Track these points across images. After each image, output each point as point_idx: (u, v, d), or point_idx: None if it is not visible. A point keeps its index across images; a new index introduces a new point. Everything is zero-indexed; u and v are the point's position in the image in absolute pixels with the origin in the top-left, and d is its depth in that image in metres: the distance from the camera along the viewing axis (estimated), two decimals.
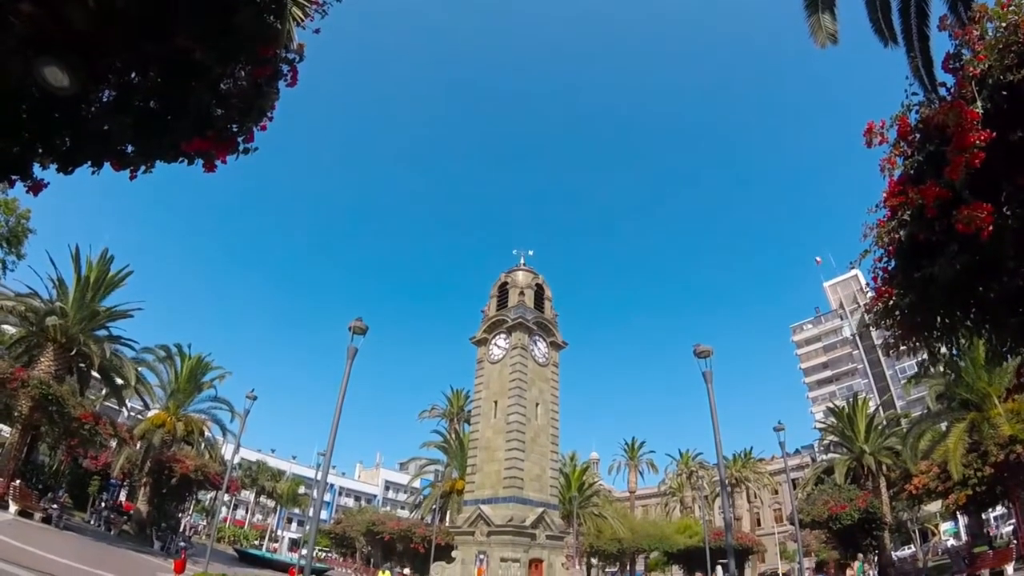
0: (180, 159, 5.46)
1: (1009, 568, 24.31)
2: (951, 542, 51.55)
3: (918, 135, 6.12)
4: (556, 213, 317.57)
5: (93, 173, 5.34)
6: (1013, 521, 33.50)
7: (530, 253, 28.22)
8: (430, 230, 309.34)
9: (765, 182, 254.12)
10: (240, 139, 5.52)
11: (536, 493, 22.72)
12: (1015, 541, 28.34)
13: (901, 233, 6.25)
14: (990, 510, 41.26)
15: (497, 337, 25.67)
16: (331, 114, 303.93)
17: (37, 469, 37.20)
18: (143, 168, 5.47)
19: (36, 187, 5.29)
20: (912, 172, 6.16)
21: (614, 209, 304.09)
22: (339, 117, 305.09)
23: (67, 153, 5.23)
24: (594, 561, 61.48)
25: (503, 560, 20.14)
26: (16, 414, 28.04)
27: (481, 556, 21.10)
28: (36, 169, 5.21)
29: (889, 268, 6.72)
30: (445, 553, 30.01)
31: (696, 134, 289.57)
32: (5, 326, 34.72)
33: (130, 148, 5.34)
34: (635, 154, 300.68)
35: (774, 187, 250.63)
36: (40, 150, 5.13)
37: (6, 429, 36.39)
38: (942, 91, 6.39)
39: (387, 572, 38.21)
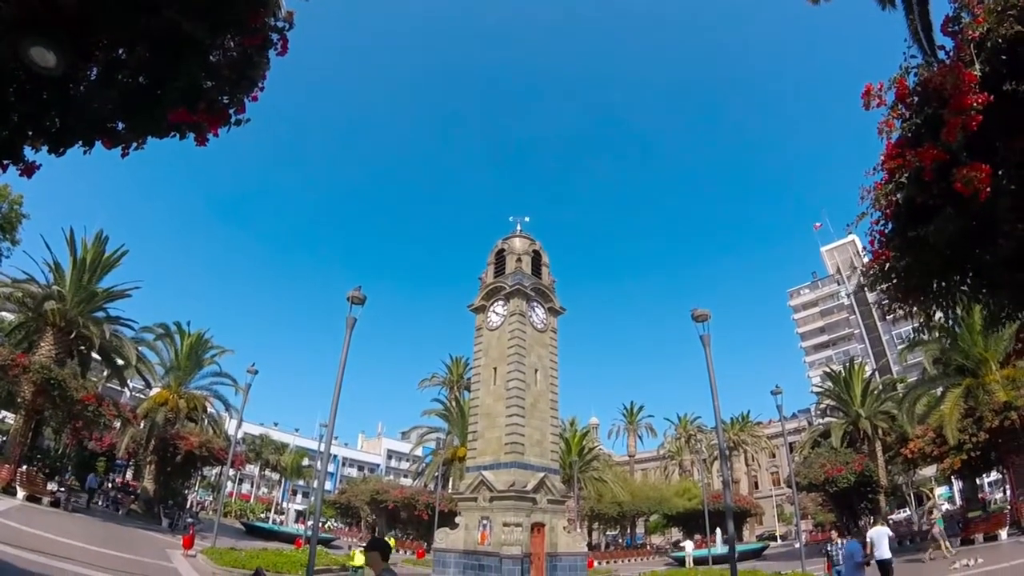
0: (172, 134, 5.39)
1: (1003, 533, 24.68)
2: (946, 506, 52.47)
3: (916, 98, 6.08)
4: (554, 180, 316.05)
5: (85, 152, 5.30)
6: (1007, 487, 33.98)
7: (526, 219, 28.20)
8: (427, 199, 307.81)
9: (763, 146, 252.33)
10: (232, 111, 5.45)
11: (537, 458, 22.89)
12: (1009, 507, 28.73)
13: (899, 196, 6.25)
14: (984, 475, 41.88)
15: (495, 304, 25.63)
16: (327, 80, 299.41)
17: (43, 454, 37.43)
18: (135, 145, 5.42)
19: (28, 169, 5.24)
20: (910, 135, 6.13)
21: (611, 177, 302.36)
22: (335, 83, 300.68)
23: (58, 134, 5.18)
24: (595, 524, 62.37)
25: (506, 525, 20.33)
26: (19, 400, 28.15)
27: (484, 521, 21.35)
28: (28, 152, 5.16)
29: (886, 231, 6.71)
30: (449, 519, 30.45)
31: (693, 100, 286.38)
32: (3, 313, 34.64)
33: (120, 125, 5.28)
34: (632, 118, 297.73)
35: (772, 151, 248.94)
36: (30, 132, 5.06)
37: (10, 417, 36.60)
38: (940, 54, 6.35)
39: (392, 539, 38.86)
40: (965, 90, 5.18)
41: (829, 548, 15.30)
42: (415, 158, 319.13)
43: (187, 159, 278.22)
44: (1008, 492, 31.75)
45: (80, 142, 5.25)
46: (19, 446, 28.37)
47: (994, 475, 45.35)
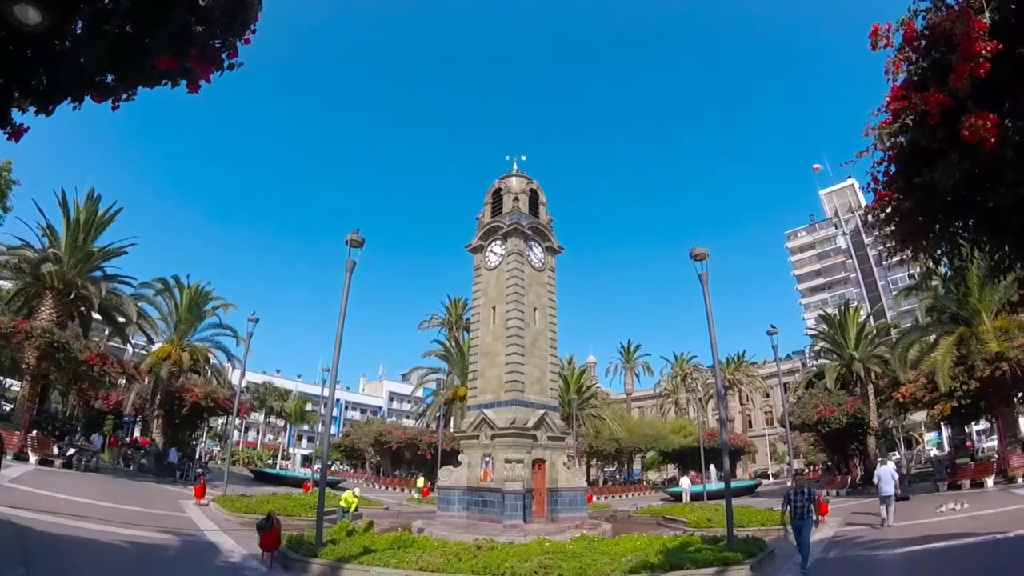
0: (163, 82, 5.23)
1: (989, 481, 25.39)
2: (934, 452, 53.91)
3: (923, 41, 5.98)
4: (552, 120, 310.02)
5: (74, 108, 5.16)
6: (995, 437, 34.73)
7: (523, 158, 27.62)
8: (423, 140, 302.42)
9: (764, 86, 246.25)
10: (224, 55, 5.29)
11: (537, 396, 23.12)
12: (996, 455, 29.44)
13: (903, 138, 6.21)
14: (973, 424, 42.87)
15: (493, 244, 25.42)
16: (318, 21, 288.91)
17: (51, 417, 37.81)
18: (125, 96, 5.27)
19: (16, 133, 5.11)
20: (916, 78, 6.06)
21: (610, 115, 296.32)
22: (327, 23, 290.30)
23: (45, 92, 5.04)
24: (593, 461, 63.96)
25: (508, 461, 20.67)
26: (24, 366, 28.52)
27: (487, 458, 21.70)
28: (14, 114, 5.02)
29: (890, 171, 6.67)
30: (451, 458, 31.15)
31: (694, 39, 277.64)
32: (1, 281, 34.50)
33: (110, 77, 5.11)
34: (632, 59, 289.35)
35: (773, 92, 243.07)
36: (16, 94, 4.92)
37: (16, 384, 36.87)
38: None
39: (421, 480, 40.02)
40: (974, 37, 5.11)
41: (793, 496, 12.36)
42: (410, 99, 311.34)
43: (173, 102, 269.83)
44: (996, 441, 32.46)
45: (69, 98, 5.09)
46: (27, 412, 28.83)
47: (983, 424, 46.50)
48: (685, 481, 40.44)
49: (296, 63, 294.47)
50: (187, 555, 13.58)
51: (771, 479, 62.02)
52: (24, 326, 27.21)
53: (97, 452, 30.74)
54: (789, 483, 14.60)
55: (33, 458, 25.99)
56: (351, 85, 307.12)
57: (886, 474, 17.97)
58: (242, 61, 5.37)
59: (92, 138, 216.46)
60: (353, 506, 20.53)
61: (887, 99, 6.24)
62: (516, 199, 25.67)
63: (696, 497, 35.66)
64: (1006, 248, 6.91)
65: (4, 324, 26.78)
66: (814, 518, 12.38)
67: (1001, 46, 5.07)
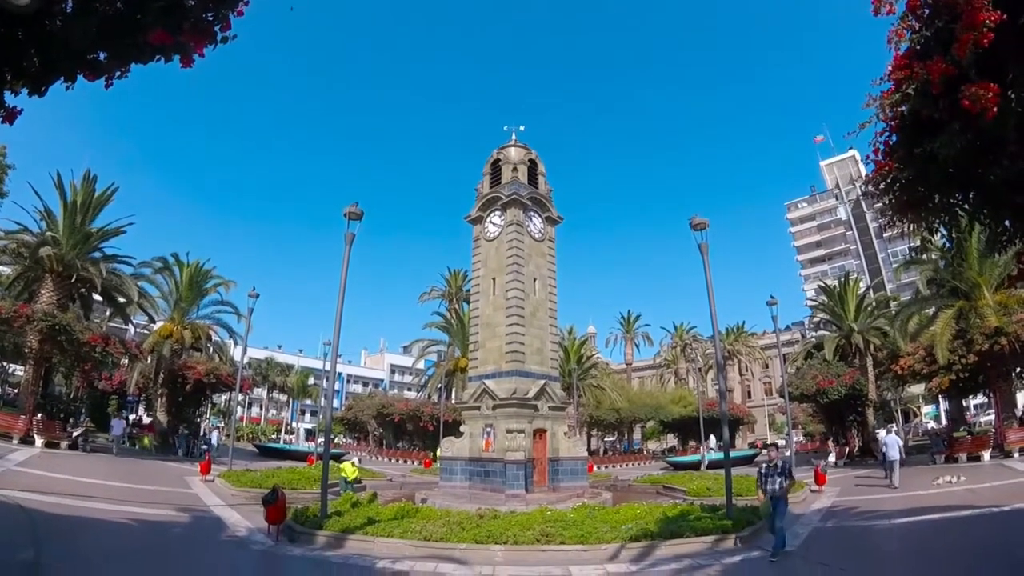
0: (156, 58, 5.16)
1: (986, 454, 25.67)
2: (931, 425, 54.39)
3: (927, 10, 5.91)
4: (551, 91, 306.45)
5: (67, 88, 5.12)
6: (992, 411, 34.87)
7: (521, 128, 27.32)
8: (422, 113, 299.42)
9: (765, 57, 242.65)
10: (217, 28, 5.19)
11: (537, 366, 23.15)
12: (993, 430, 29.59)
13: (904, 108, 6.16)
14: (970, 398, 42.98)
15: (492, 214, 25.27)
16: None
17: (55, 400, 37.81)
18: (118, 74, 5.23)
19: (10, 115, 5.10)
20: (919, 47, 6.00)
21: (610, 86, 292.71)
22: None
23: (37, 73, 4.99)
24: (594, 431, 64.43)
25: (509, 431, 20.83)
26: (27, 350, 28.51)
27: (488, 429, 21.80)
28: (7, 97, 5.01)
29: (891, 142, 6.63)
30: (453, 429, 31.37)
31: (694, 8, 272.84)
32: (0, 267, 34.36)
33: (102, 55, 5.07)
34: (631, 27, 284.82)
35: (774, 62, 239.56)
36: (8, 76, 4.89)
37: (19, 369, 36.92)
38: None
39: (439, 451, 40.29)
40: (977, 6, 5.03)
41: (764, 471, 11.13)
42: (408, 70, 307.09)
43: (166, 77, 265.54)
44: (993, 415, 32.62)
45: (62, 78, 5.04)
46: (32, 396, 28.86)
47: (980, 398, 46.66)
48: (703, 449, 40.48)
49: (288, 36, 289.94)
50: (194, 531, 13.78)
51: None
52: (25, 310, 27.16)
53: (118, 438, 30.86)
54: (785, 453, 14.66)
55: (39, 441, 26.15)
56: (347, 56, 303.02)
57: (892, 441, 20.07)
58: (235, 33, 5.28)
59: (84, 122, 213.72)
60: (352, 476, 20.85)
61: (890, 68, 6.19)
62: (515, 169, 25.46)
63: (691, 467, 36.00)
64: (1006, 222, 6.89)
65: (5, 309, 26.71)
66: (786, 496, 10.97)
67: (1004, 16, 4.99)
